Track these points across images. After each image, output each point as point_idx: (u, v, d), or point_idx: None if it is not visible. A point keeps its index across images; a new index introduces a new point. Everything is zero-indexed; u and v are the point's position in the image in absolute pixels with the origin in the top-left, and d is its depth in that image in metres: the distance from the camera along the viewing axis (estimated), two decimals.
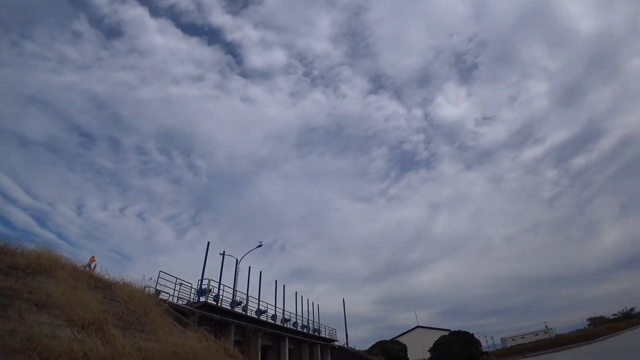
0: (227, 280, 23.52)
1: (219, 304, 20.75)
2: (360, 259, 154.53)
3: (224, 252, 23.42)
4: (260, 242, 31.42)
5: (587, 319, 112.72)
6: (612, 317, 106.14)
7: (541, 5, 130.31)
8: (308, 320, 34.41)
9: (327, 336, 38.06)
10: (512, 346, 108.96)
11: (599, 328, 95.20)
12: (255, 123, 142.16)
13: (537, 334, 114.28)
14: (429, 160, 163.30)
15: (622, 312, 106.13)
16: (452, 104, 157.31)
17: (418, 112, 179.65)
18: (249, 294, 24.16)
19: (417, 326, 75.64)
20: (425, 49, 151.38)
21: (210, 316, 18.78)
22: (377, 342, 54.74)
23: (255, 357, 22.89)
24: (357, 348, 52.12)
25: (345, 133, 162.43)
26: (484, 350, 70.20)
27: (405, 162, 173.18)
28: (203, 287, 19.99)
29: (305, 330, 32.95)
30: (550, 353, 69.75)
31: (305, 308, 34.92)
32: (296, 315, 31.62)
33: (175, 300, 18.40)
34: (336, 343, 39.94)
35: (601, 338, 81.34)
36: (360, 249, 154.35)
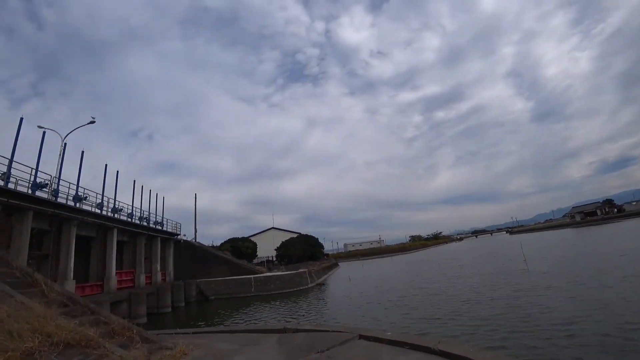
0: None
1: (13, 187, 16.95)
2: (232, 159, 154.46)
3: (45, 131, 18.64)
4: (93, 118, 26.84)
5: (409, 236, 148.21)
6: (426, 236, 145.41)
7: None
8: (149, 213, 32.59)
9: (172, 230, 37.31)
10: (350, 250, 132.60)
11: (415, 243, 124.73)
12: None
13: (372, 243, 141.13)
14: (317, 76, 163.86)
15: (432, 234, 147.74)
16: (355, 29, 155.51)
17: (320, 26, 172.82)
18: (61, 177, 20.53)
19: (272, 227, 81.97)
20: None
21: None
22: (228, 239, 56.54)
23: (67, 246, 20.68)
24: (215, 244, 53.67)
25: (240, 25, 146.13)
26: (326, 252, 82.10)
27: (295, 72, 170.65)
28: None
29: (144, 223, 31.25)
30: (377, 258, 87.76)
31: (154, 203, 33.15)
32: (132, 206, 29.29)
33: None
34: (182, 237, 39.70)
35: (414, 251, 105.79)
36: (234, 150, 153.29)
